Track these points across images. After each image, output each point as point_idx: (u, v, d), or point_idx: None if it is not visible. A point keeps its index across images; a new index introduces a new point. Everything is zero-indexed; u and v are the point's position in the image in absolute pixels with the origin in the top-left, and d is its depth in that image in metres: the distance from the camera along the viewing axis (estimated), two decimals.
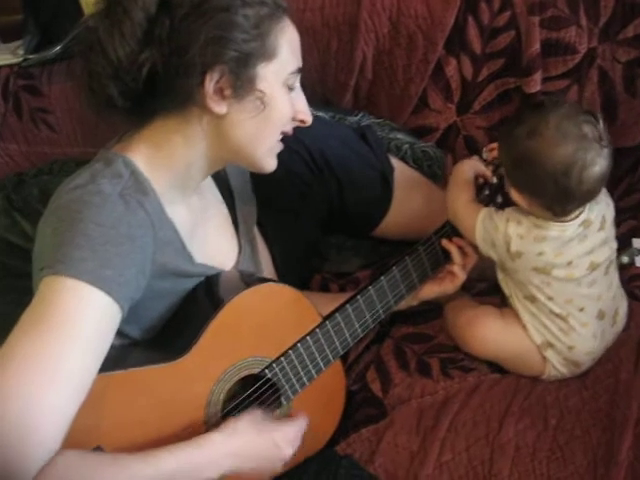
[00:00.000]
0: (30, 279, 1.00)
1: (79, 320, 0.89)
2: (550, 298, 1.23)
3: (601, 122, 1.11)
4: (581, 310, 1.24)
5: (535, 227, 1.19)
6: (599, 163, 1.10)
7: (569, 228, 1.18)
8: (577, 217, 1.19)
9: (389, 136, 1.57)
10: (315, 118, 1.16)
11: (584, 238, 1.20)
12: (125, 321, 0.97)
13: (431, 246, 1.32)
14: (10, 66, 1.78)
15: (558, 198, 1.13)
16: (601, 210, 1.22)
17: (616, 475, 1.08)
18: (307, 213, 1.44)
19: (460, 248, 1.33)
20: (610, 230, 1.24)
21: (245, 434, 1.04)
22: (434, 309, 1.47)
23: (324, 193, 1.42)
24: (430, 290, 1.37)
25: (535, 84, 1.49)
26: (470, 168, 1.33)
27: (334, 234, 1.60)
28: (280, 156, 1.16)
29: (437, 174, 1.60)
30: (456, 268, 1.33)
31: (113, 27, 1.00)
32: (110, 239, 0.94)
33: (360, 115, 1.60)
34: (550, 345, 1.26)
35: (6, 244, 1.61)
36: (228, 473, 1.01)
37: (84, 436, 0.94)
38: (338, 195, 1.44)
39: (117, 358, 0.99)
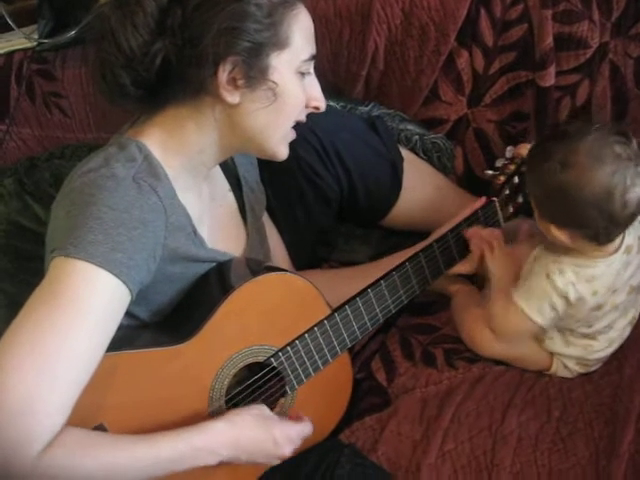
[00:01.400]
0: (41, 262, 1.01)
1: (87, 301, 0.90)
2: (590, 326, 1.23)
3: (634, 141, 1.07)
4: (610, 329, 1.24)
5: (579, 267, 1.15)
6: (639, 184, 1.06)
7: (615, 260, 1.15)
8: (620, 246, 1.15)
9: (399, 127, 1.57)
10: (327, 108, 1.16)
11: (627, 265, 1.17)
12: (134, 303, 0.98)
13: (445, 243, 1.32)
14: (24, 50, 1.78)
15: (604, 226, 1.08)
16: (636, 231, 1.19)
17: (617, 467, 1.08)
18: (317, 202, 1.44)
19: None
20: None
21: (247, 427, 1.05)
22: (440, 301, 1.48)
23: (334, 183, 1.43)
24: (459, 269, 1.37)
25: (550, 78, 1.48)
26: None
27: (343, 223, 1.60)
28: (292, 145, 1.16)
29: (447, 165, 1.60)
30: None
31: (125, 18, 1.00)
32: (123, 223, 0.95)
33: (371, 105, 1.60)
34: (567, 356, 1.27)
35: (18, 227, 1.62)
36: (224, 461, 1.02)
37: (88, 413, 0.96)
38: (348, 185, 1.44)
39: (124, 338, 1.00)
